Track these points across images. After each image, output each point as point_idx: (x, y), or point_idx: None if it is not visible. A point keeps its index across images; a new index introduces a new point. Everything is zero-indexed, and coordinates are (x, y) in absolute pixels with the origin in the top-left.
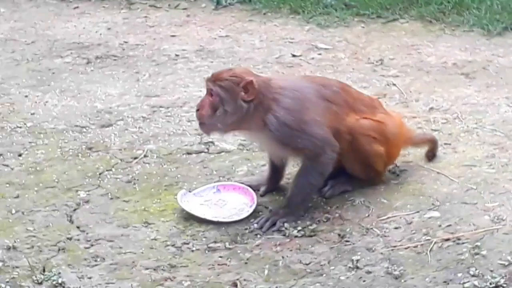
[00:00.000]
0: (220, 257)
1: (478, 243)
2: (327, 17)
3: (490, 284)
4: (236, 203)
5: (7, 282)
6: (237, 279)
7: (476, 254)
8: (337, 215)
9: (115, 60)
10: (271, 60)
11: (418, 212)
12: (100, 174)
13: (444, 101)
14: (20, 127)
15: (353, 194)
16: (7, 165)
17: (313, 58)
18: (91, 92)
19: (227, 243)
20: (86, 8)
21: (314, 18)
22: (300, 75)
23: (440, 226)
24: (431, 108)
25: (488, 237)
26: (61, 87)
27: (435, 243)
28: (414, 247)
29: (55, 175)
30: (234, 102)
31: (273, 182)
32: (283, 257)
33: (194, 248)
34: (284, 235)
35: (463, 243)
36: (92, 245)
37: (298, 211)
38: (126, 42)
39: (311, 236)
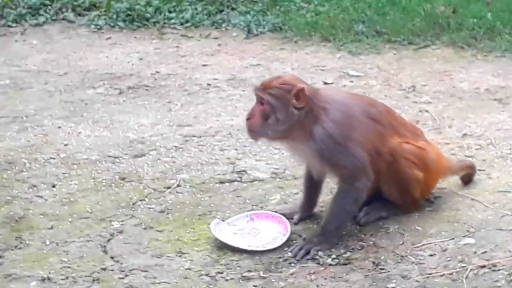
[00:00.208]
0: (255, 286)
1: None
2: (358, 44)
3: None
4: (270, 232)
5: None
6: None
7: None
8: (371, 242)
9: (147, 90)
10: None
11: (453, 239)
12: (133, 204)
13: (478, 127)
14: (54, 158)
15: (387, 221)
16: (41, 196)
17: (344, 86)
18: (123, 123)
19: (261, 272)
20: (118, 39)
21: (346, 46)
22: (347, 91)
23: (475, 253)
24: (465, 134)
25: None
26: (94, 117)
27: (470, 270)
28: (450, 274)
29: (88, 205)
30: (285, 110)
31: (307, 209)
32: (317, 285)
33: (228, 278)
34: (318, 263)
35: (499, 269)
36: (126, 276)
37: (332, 239)
38: (158, 72)
39: (345, 264)
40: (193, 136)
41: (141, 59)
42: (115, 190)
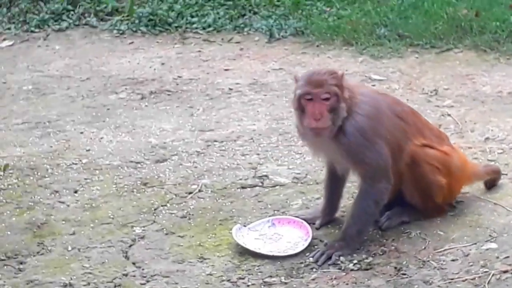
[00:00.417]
0: None
1: None
2: (381, 48)
3: None
4: (291, 237)
5: None
6: None
7: None
8: (393, 247)
9: (169, 95)
10: None
11: (475, 244)
12: (155, 209)
13: (500, 131)
14: (76, 164)
15: (409, 226)
16: (63, 202)
17: None
18: (145, 128)
19: (282, 278)
20: (140, 44)
21: (368, 49)
22: (372, 88)
23: (497, 257)
24: (487, 138)
25: None
26: (116, 123)
27: (493, 275)
28: (472, 279)
29: (110, 211)
30: (342, 99)
31: (328, 214)
32: None
33: (249, 283)
34: (340, 268)
35: None
36: (148, 281)
37: (354, 244)
38: (180, 76)
39: (367, 269)
40: (215, 141)
41: (163, 63)
42: (137, 195)
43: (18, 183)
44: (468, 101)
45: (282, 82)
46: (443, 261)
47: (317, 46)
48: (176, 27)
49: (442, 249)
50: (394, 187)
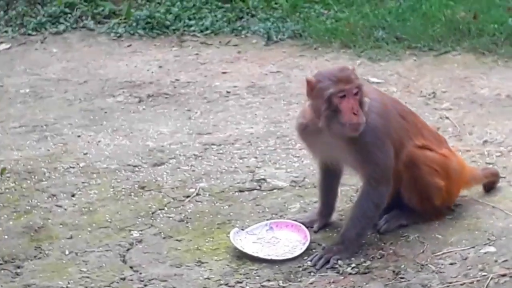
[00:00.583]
0: None
1: None
2: (379, 51)
3: None
4: (289, 241)
5: None
6: None
7: None
8: (391, 251)
9: (166, 98)
10: None
11: (473, 247)
12: (152, 213)
13: (498, 133)
14: (73, 167)
15: (407, 230)
16: (60, 206)
17: None
18: (143, 131)
19: (280, 282)
20: (138, 47)
21: (366, 52)
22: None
23: (496, 261)
24: (485, 141)
25: None
26: (113, 126)
27: (491, 279)
28: (470, 283)
29: (108, 215)
30: (364, 95)
31: (326, 216)
32: None
33: (247, 287)
34: (338, 272)
35: None
36: (145, 285)
37: (352, 247)
38: (177, 79)
39: (365, 273)
40: (213, 144)
41: (160, 67)
42: (135, 199)
43: (15, 187)
44: (466, 104)
45: (280, 85)
46: (441, 264)
47: (315, 48)
48: (173, 30)
49: (441, 252)
50: (393, 189)
